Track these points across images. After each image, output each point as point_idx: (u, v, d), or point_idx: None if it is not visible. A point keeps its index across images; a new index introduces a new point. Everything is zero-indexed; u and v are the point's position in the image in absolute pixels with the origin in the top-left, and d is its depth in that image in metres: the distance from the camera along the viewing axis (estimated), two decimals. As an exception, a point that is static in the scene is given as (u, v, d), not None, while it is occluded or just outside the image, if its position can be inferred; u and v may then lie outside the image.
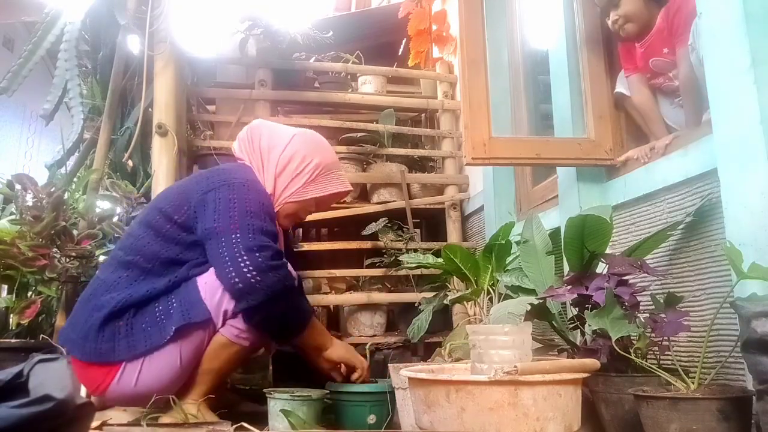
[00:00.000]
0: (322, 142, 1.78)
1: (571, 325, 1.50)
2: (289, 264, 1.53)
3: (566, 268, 1.57)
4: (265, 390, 1.58)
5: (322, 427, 1.56)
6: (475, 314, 1.95)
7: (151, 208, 1.65)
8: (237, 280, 1.40)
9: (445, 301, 2.08)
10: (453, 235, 2.82)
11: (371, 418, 1.61)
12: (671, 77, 1.86)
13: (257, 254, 1.42)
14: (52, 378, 0.66)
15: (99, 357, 1.43)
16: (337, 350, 1.70)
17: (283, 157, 1.68)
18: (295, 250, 2.53)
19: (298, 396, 1.54)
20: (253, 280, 1.40)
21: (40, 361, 0.69)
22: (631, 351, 1.19)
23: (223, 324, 1.48)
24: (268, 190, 1.66)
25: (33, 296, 1.90)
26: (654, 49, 1.87)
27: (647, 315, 1.24)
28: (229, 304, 1.46)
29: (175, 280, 1.49)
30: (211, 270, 1.46)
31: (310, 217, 2.67)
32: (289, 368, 2.21)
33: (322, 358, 1.69)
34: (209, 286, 1.46)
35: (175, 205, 1.56)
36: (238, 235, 1.44)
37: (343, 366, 1.72)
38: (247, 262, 1.40)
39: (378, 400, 1.65)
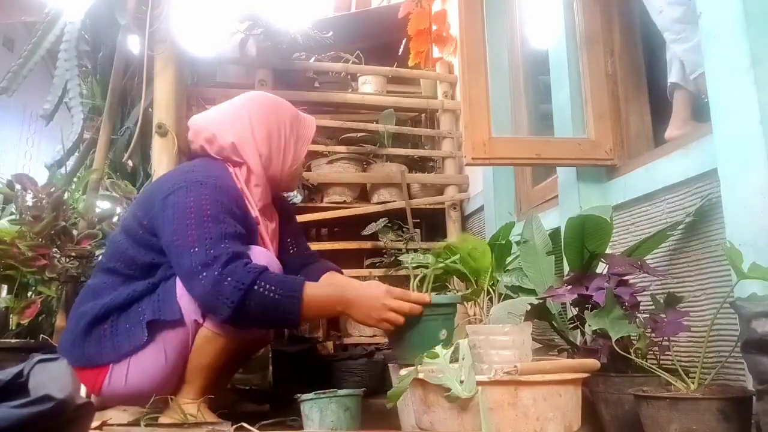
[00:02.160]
0: (270, 97, 1.75)
1: (571, 325, 1.50)
2: (254, 251, 1.45)
3: (566, 268, 1.57)
4: (297, 397, 1.53)
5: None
6: (475, 314, 1.95)
7: (128, 212, 1.64)
8: (199, 298, 1.37)
9: (445, 301, 2.07)
10: (453, 234, 2.82)
11: (443, 334, 1.40)
12: None
13: (213, 266, 1.35)
14: (52, 378, 0.66)
15: (87, 361, 1.43)
16: (359, 313, 1.40)
17: (260, 139, 1.61)
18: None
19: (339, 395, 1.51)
20: (211, 296, 1.34)
21: (40, 361, 0.69)
22: (631, 351, 1.19)
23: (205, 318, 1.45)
24: (267, 173, 1.62)
25: (33, 296, 1.90)
26: None
27: (647, 315, 1.24)
28: None
29: (155, 281, 1.47)
30: None
31: (310, 217, 2.68)
32: (291, 368, 2.21)
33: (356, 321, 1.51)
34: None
35: (144, 210, 1.53)
36: (195, 249, 1.37)
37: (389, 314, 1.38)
38: (206, 276, 1.35)
39: (449, 314, 1.46)
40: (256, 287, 1.33)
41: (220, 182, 1.52)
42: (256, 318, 1.38)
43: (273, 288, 1.35)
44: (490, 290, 1.79)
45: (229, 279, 1.33)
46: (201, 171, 1.54)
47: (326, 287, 1.54)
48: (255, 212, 1.59)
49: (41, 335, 1.88)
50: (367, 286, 1.46)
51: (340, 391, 1.52)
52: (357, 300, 1.40)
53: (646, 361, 1.16)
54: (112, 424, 1.35)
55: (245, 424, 1.29)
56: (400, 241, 2.64)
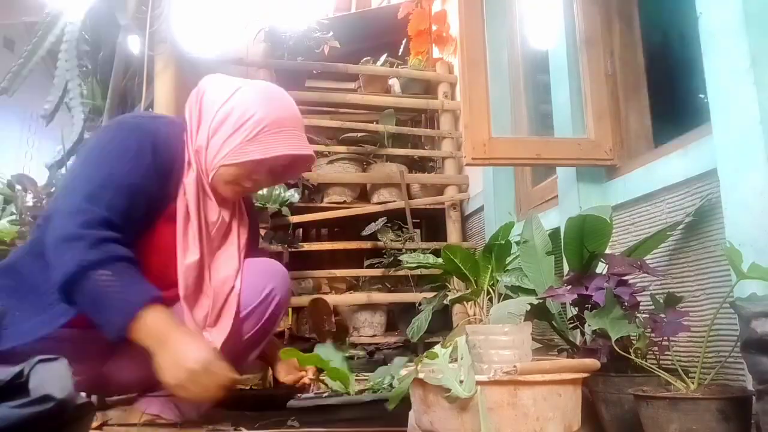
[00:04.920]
0: (275, 95, 1.43)
1: (571, 325, 1.50)
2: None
3: (566, 268, 1.57)
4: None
5: None
6: (475, 314, 1.95)
7: None
8: (49, 247, 1.19)
9: (445, 301, 2.08)
10: (453, 235, 2.82)
11: None
12: None
13: (78, 222, 1.18)
14: (52, 378, 0.66)
15: None
16: (164, 363, 1.15)
17: (221, 111, 1.35)
18: (294, 250, 2.52)
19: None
20: (55, 249, 1.17)
21: (40, 361, 0.69)
22: (631, 351, 1.19)
23: None
24: (202, 153, 1.36)
25: (33, 296, 1.90)
26: None
27: (647, 315, 1.24)
28: None
29: None
30: None
31: (309, 217, 2.67)
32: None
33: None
34: None
35: None
36: (74, 196, 1.22)
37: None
38: (64, 229, 1.18)
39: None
40: (98, 272, 1.14)
41: (150, 125, 1.34)
42: (83, 303, 1.17)
43: (115, 283, 1.15)
44: (490, 290, 1.79)
45: (70, 243, 1.16)
46: (130, 120, 1.39)
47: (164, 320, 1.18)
48: (188, 183, 1.36)
49: (41, 335, 1.88)
50: (193, 341, 1.18)
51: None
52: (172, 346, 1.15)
53: (646, 361, 1.16)
54: (112, 424, 1.35)
55: (243, 429, 1.28)
56: (399, 241, 2.64)
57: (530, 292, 1.67)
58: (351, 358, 2.35)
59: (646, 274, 1.34)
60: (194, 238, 1.35)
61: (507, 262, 1.85)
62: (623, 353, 1.18)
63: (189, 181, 1.36)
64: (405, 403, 1.11)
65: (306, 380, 1.57)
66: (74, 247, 1.15)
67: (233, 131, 1.34)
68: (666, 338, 1.19)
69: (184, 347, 1.15)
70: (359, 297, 2.57)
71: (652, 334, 1.19)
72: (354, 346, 2.57)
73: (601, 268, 1.40)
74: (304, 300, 2.42)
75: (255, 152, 1.34)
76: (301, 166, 1.54)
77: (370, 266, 2.67)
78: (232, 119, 1.35)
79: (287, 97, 1.45)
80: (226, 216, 1.44)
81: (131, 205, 1.25)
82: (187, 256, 1.34)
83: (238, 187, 1.41)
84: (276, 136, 1.36)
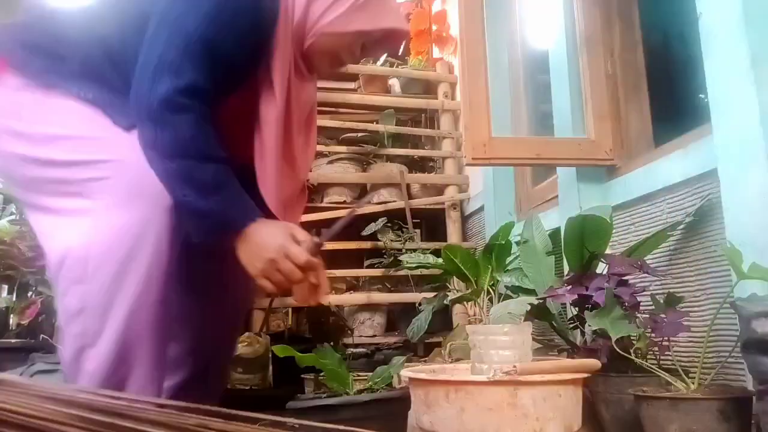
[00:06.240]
0: None
1: (571, 325, 1.50)
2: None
3: (566, 268, 1.57)
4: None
5: None
6: (475, 314, 1.95)
7: None
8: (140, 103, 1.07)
9: (445, 301, 2.08)
10: (453, 235, 2.82)
11: None
12: None
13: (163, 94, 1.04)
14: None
15: None
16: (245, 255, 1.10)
17: None
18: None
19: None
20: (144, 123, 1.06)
21: (39, 372, 0.69)
22: (631, 351, 1.19)
23: None
24: (297, 15, 1.15)
25: (33, 296, 1.90)
26: None
27: (647, 315, 1.24)
28: None
29: None
30: None
31: (310, 217, 2.67)
32: (291, 369, 2.20)
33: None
34: None
35: None
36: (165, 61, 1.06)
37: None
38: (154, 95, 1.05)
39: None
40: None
41: None
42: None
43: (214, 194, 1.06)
44: (490, 290, 1.79)
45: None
46: None
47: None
48: (281, 46, 1.14)
49: (41, 335, 1.88)
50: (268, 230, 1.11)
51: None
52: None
53: (646, 361, 1.16)
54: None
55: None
56: (399, 241, 2.64)
57: (530, 292, 1.67)
58: (352, 358, 2.35)
59: (646, 274, 1.34)
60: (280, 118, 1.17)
61: (507, 262, 1.85)
62: (623, 353, 1.18)
63: (282, 43, 1.14)
64: (405, 403, 1.11)
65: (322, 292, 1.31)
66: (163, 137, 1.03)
67: None
68: (666, 338, 1.18)
69: (261, 238, 1.09)
70: (359, 297, 2.57)
71: (653, 335, 1.19)
72: (354, 346, 2.56)
73: (602, 268, 1.40)
74: (304, 300, 2.42)
75: (363, 22, 1.17)
76: (393, 43, 1.32)
77: (370, 266, 2.67)
78: None
79: None
80: (313, 96, 1.29)
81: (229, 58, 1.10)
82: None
83: (336, 60, 1.24)
84: (382, 5, 1.21)
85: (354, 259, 2.81)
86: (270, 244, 1.08)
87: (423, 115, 3.30)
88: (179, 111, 1.05)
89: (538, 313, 1.50)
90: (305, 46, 1.18)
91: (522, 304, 1.51)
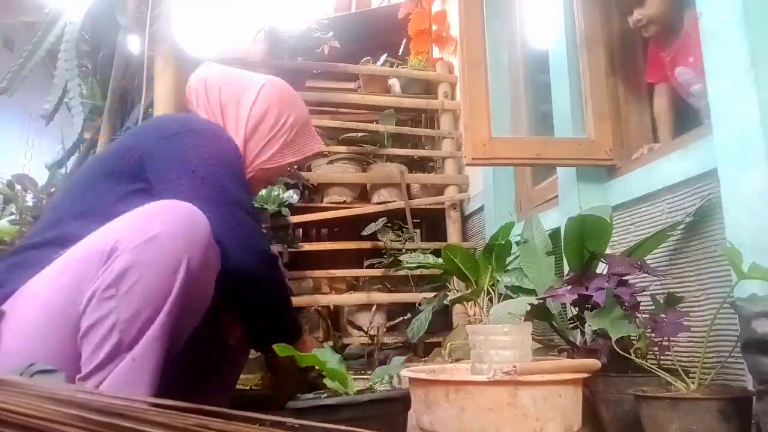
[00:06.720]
0: (294, 93, 1.44)
1: (571, 325, 1.50)
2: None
3: (566, 268, 1.57)
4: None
5: None
6: (475, 314, 1.95)
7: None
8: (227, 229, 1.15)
9: (445, 301, 2.08)
10: (453, 235, 2.82)
11: None
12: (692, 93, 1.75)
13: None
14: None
15: None
16: None
17: (254, 113, 1.32)
18: (294, 250, 2.51)
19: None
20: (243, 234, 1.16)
21: (39, 372, 0.69)
22: (631, 351, 1.19)
23: None
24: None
25: (33, 296, 1.90)
26: (680, 57, 1.76)
27: (647, 315, 1.24)
28: None
29: None
30: None
31: (310, 217, 2.68)
32: (291, 369, 2.20)
33: None
34: None
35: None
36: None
37: None
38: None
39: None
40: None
41: (231, 144, 1.26)
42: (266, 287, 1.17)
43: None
44: (490, 290, 1.79)
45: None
46: (204, 122, 1.29)
47: None
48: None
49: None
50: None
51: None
52: None
53: (646, 361, 1.16)
54: None
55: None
56: (399, 241, 2.64)
57: (530, 292, 1.67)
58: (351, 358, 2.35)
59: (646, 274, 1.34)
60: None
61: (507, 262, 1.85)
62: (623, 353, 1.18)
63: None
64: (405, 403, 1.11)
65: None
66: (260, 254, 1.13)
67: (272, 135, 1.34)
68: (666, 338, 1.18)
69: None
70: (359, 297, 2.57)
71: (653, 335, 1.19)
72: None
73: (602, 268, 1.40)
74: (304, 300, 2.42)
75: (293, 155, 1.37)
76: (309, 157, 1.52)
77: (370, 266, 2.67)
78: (269, 122, 1.33)
79: (294, 91, 1.47)
80: None
81: None
82: None
83: (270, 182, 1.45)
84: (306, 135, 1.40)
85: (354, 259, 2.81)
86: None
87: (423, 115, 3.30)
88: None
89: (538, 313, 1.49)
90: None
91: (522, 304, 1.51)
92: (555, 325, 1.51)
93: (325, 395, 1.51)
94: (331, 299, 2.55)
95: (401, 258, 2.28)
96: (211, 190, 1.10)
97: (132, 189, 1.10)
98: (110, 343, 0.87)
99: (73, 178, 1.35)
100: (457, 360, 1.58)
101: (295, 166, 1.49)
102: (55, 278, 0.95)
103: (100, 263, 0.90)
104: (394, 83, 3.35)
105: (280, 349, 1.53)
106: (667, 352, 1.19)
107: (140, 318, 0.88)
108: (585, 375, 1.08)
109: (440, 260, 1.94)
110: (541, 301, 1.47)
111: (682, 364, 1.18)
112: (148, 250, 0.90)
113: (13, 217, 2.01)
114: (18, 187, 1.96)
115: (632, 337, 1.22)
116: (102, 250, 0.91)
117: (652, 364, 1.15)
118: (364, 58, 3.24)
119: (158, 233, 0.91)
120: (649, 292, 1.36)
